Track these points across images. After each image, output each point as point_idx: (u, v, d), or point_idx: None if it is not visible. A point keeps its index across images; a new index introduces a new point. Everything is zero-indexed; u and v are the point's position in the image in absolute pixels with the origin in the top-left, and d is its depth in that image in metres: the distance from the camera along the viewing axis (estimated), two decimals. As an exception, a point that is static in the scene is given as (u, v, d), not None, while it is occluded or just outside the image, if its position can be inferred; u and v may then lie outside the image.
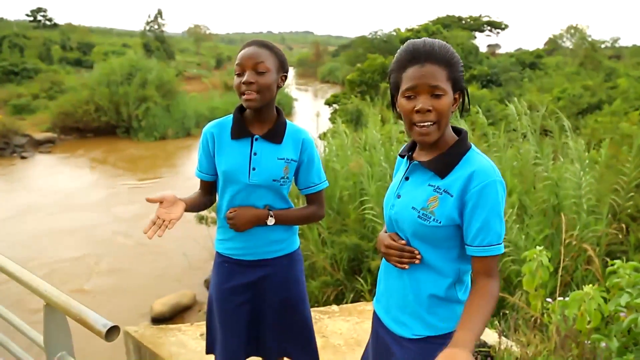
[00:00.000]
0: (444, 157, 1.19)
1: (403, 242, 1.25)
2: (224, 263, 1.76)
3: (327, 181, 1.76)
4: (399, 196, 1.26)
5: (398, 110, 1.21)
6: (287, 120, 1.70)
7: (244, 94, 1.55)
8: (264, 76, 1.55)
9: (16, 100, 20.01)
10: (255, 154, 1.63)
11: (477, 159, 1.18)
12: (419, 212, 1.19)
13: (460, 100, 1.20)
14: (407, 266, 1.24)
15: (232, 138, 1.65)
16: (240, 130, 1.64)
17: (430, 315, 1.24)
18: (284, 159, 1.64)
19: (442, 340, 1.24)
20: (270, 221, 1.65)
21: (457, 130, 1.24)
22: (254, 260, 1.72)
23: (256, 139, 1.63)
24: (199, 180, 1.77)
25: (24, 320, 1.71)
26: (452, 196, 1.16)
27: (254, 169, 1.62)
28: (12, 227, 9.21)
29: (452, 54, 1.16)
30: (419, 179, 1.23)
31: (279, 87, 1.63)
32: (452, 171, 1.18)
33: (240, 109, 1.68)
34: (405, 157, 1.31)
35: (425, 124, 1.14)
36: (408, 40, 1.20)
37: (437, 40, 1.18)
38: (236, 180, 1.64)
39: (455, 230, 1.19)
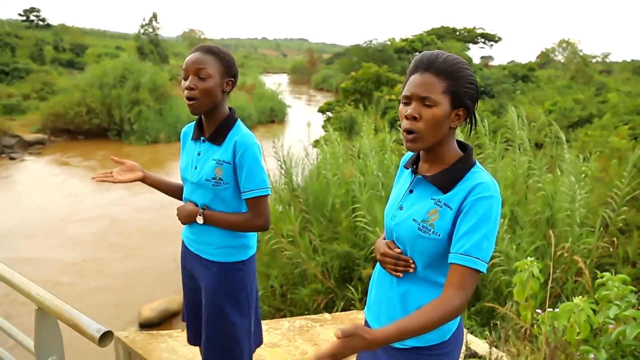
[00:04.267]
0: (448, 173, 1.19)
1: (399, 250, 1.26)
2: (182, 244, 1.89)
3: (267, 189, 1.67)
4: (401, 208, 1.27)
5: None
6: (239, 123, 1.71)
7: (186, 99, 1.63)
8: (204, 82, 1.60)
9: (6, 100, 19.69)
10: (199, 154, 1.73)
11: (481, 176, 1.17)
12: (419, 224, 1.19)
13: (466, 117, 1.18)
14: (401, 274, 1.24)
15: (191, 139, 1.79)
16: (196, 133, 1.76)
17: None
18: (216, 160, 1.67)
19: (428, 352, 1.26)
20: (199, 220, 1.70)
21: (463, 146, 1.24)
22: (193, 253, 1.80)
23: (203, 141, 1.73)
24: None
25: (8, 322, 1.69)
26: (451, 209, 1.16)
27: (195, 167, 1.73)
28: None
29: (458, 68, 1.14)
30: (422, 192, 1.23)
31: (224, 91, 1.66)
32: (455, 187, 1.17)
33: None
34: (410, 170, 1.31)
35: (412, 130, 1.16)
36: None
37: (449, 53, 1.17)
38: (185, 178, 1.78)
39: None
